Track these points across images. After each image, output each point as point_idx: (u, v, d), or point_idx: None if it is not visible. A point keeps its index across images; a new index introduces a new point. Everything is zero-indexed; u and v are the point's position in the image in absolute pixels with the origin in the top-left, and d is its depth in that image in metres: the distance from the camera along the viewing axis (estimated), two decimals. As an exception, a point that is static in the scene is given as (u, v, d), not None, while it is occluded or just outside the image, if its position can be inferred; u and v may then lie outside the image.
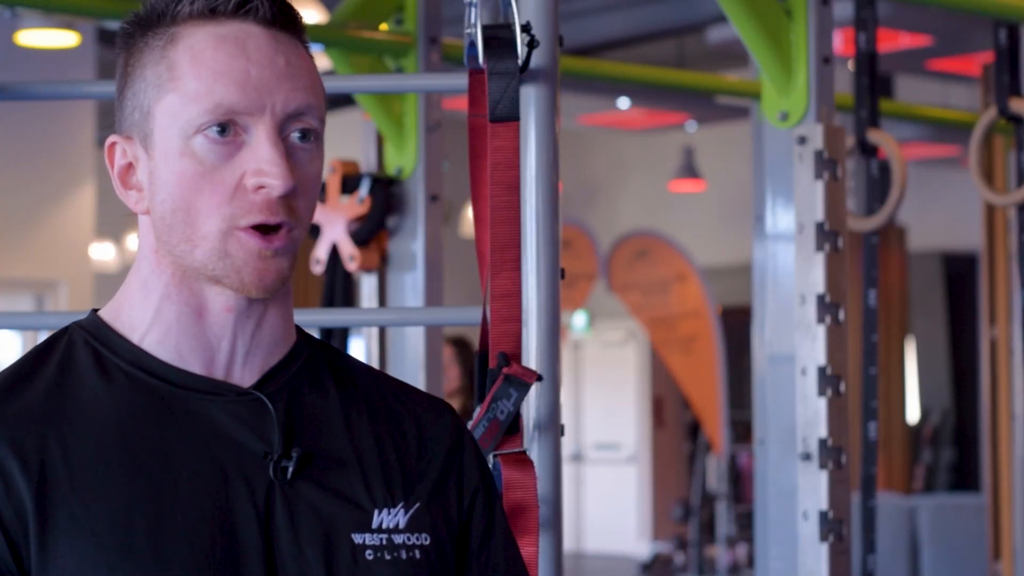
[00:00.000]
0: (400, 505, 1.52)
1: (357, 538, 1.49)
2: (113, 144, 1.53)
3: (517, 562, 1.60)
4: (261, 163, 1.46)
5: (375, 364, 3.58)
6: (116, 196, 1.56)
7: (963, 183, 9.44)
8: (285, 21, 1.51)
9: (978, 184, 4.42)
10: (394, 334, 3.53)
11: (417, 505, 1.53)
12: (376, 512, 1.51)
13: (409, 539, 1.51)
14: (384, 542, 1.50)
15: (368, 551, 1.49)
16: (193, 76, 1.47)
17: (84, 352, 1.51)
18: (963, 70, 8.00)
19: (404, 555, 1.51)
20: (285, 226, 1.48)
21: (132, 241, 13.23)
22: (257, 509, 1.46)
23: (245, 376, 1.52)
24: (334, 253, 3.64)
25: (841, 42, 6.37)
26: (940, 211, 11.93)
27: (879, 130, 3.93)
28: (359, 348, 3.94)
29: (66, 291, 9.14)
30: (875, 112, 3.94)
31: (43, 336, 1.60)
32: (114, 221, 12.23)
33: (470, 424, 1.95)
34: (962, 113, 6.49)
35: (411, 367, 3.42)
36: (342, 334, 3.69)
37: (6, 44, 7.77)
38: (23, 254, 9.03)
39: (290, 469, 1.48)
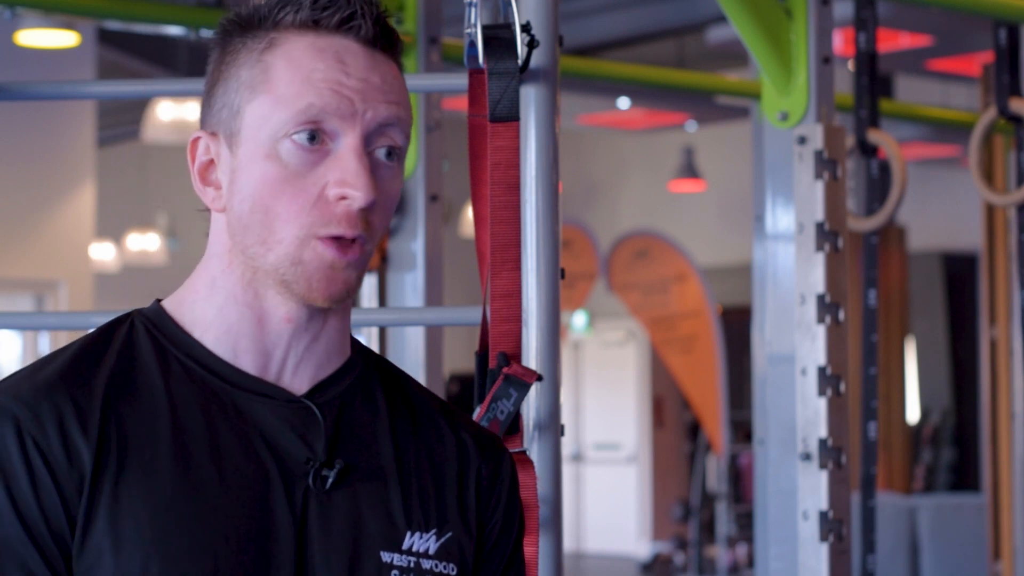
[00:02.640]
0: (433, 531, 1.53)
1: (385, 556, 1.50)
2: (196, 139, 1.54)
3: None
4: (346, 174, 1.47)
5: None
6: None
7: (963, 183, 9.45)
8: (385, 42, 1.52)
9: (978, 184, 4.42)
10: (394, 334, 3.52)
11: (449, 534, 1.53)
12: (408, 533, 1.51)
13: (437, 566, 1.52)
14: (412, 565, 1.50)
15: (394, 571, 1.50)
16: (287, 81, 1.48)
17: (146, 340, 1.52)
18: (963, 70, 8.00)
19: None
20: (360, 240, 1.48)
21: (132, 241, 13.20)
22: (294, 514, 1.47)
23: (295, 383, 1.53)
24: (334, 253, 3.63)
25: (841, 42, 6.37)
26: (940, 211, 11.93)
27: (879, 130, 3.93)
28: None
29: (66, 291, 9.13)
30: (875, 112, 3.94)
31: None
32: (114, 221, 12.21)
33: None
34: (962, 113, 6.50)
35: (411, 367, 3.42)
36: (342, 334, 3.68)
37: (6, 44, 7.77)
38: (23, 254, 9.03)
39: (330, 479, 1.49)
